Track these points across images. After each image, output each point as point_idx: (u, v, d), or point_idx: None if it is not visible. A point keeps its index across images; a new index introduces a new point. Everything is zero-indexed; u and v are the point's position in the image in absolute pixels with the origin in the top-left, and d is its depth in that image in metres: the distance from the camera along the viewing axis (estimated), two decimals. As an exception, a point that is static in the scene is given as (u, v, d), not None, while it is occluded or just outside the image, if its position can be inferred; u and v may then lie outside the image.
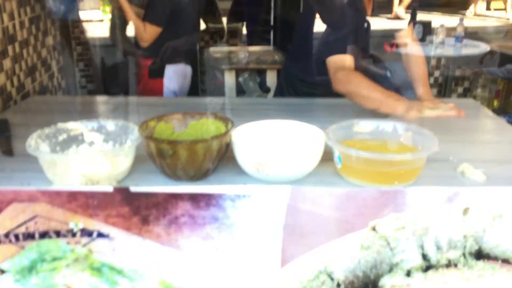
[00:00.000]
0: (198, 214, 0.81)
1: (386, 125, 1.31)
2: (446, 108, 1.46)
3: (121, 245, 0.78)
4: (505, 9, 7.32)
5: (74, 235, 0.78)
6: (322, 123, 1.30)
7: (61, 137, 1.24)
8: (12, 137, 1.46)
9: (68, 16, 2.74)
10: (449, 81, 3.66)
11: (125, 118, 1.64)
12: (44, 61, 2.33)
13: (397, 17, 5.36)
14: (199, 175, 1.18)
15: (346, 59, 1.64)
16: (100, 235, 0.78)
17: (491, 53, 3.63)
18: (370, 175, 1.14)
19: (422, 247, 0.83)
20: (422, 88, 1.73)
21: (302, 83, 1.98)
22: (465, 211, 0.83)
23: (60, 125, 1.24)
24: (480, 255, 0.81)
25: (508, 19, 6.88)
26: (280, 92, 2.10)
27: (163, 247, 0.78)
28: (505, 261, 0.80)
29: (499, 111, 3.25)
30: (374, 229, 0.82)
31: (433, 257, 0.81)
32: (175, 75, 2.51)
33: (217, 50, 3.52)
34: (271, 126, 1.31)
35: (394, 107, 1.46)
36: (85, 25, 3.53)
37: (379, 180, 1.15)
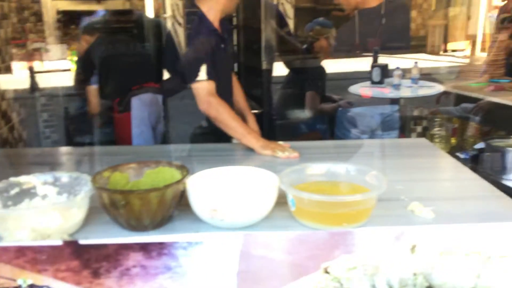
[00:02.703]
0: (150, 264, 0.81)
1: (337, 167, 1.34)
2: (290, 151, 1.74)
3: (68, 300, 0.77)
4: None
5: (21, 292, 0.76)
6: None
7: (13, 191, 1.22)
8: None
9: None
10: (408, 121, 3.79)
11: (89, 168, 1.62)
12: (3, 113, 2.31)
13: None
14: (154, 224, 1.17)
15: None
16: (48, 291, 0.77)
17: (445, 93, 3.78)
18: (323, 217, 1.16)
19: (374, 287, 0.85)
20: (249, 117, 1.94)
21: None
22: (413, 248, 0.85)
23: (12, 179, 1.23)
24: (431, 292, 0.84)
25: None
26: None
27: (112, 301, 0.77)
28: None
29: (457, 149, 3.37)
30: (326, 271, 0.84)
31: (384, 296, 0.82)
32: (142, 105, 2.61)
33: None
34: (226, 172, 1.33)
35: (252, 143, 1.75)
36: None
37: (332, 222, 1.17)
